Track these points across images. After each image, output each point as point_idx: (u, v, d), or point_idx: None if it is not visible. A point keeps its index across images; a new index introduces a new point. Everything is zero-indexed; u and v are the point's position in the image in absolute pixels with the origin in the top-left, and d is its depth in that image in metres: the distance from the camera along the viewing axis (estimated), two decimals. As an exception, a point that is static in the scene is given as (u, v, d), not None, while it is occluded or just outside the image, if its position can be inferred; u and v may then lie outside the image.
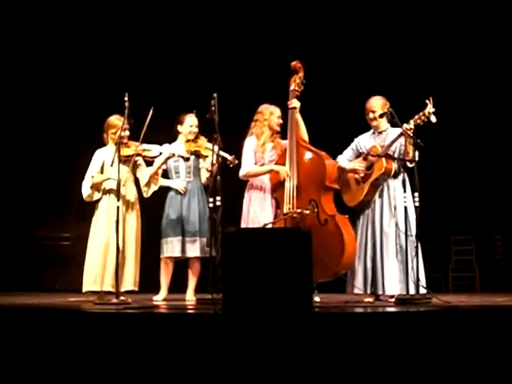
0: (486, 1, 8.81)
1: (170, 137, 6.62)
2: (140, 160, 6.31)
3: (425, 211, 5.75)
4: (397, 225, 6.01)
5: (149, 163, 6.43)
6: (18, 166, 9.20)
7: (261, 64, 8.78)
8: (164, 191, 6.55)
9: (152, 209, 6.64)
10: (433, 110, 5.79)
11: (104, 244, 6.08)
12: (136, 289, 6.22)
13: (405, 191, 5.87)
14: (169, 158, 6.41)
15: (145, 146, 6.22)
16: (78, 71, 9.15)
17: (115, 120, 6.23)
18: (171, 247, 6.40)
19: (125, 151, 6.04)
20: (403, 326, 4.26)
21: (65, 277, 8.37)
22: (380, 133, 6.26)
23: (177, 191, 6.49)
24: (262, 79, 8.51)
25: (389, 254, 6.01)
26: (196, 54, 9.07)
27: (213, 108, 5.71)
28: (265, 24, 8.94)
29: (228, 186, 5.88)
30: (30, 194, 9.18)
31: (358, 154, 6.34)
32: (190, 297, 6.39)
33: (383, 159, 6.04)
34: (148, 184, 6.36)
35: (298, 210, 5.92)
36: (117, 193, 5.72)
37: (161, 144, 6.44)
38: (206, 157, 6.40)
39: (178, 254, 6.40)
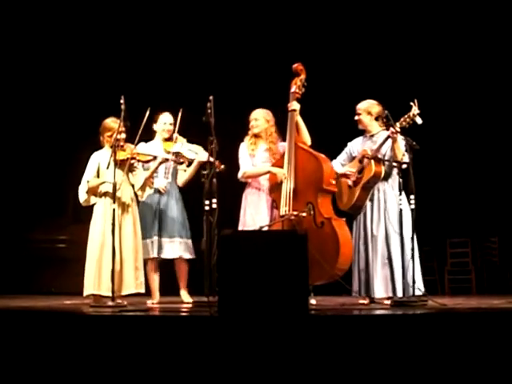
0: (478, 2, 8.82)
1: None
2: (136, 164, 6.30)
3: (421, 213, 5.76)
4: (386, 226, 6.03)
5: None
6: (14, 168, 9.19)
7: (260, 66, 8.79)
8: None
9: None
10: (418, 111, 5.82)
11: (101, 247, 6.06)
12: (141, 290, 6.17)
13: (400, 194, 5.88)
14: (162, 162, 6.31)
15: (141, 148, 6.21)
16: (75, 74, 9.15)
17: (111, 123, 6.21)
18: (147, 248, 6.32)
19: (120, 155, 6.01)
20: (399, 329, 4.26)
21: (61, 279, 8.36)
22: (372, 136, 6.29)
23: (154, 191, 6.41)
24: (260, 81, 8.53)
25: (377, 258, 6.03)
26: (194, 57, 9.07)
27: (209, 110, 5.71)
28: (264, 26, 8.95)
29: (224, 188, 5.88)
30: (26, 197, 9.17)
31: (352, 158, 6.36)
32: (185, 298, 6.36)
33: (372, 162, 6.06)
34: (143, 188, 6.33)
35: (295, 213, 5.92)
36: (112, 195, 5.71)
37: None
38: (191, 160, 6.29)
39: (154, 254, 6.35)
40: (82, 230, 6.31)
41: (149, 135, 6.25)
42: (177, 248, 6.38)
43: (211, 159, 5.77)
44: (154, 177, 6.40)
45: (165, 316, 5.07)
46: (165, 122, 6.52)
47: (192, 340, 4.23)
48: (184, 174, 6.56)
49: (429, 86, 8.50)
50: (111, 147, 6.00)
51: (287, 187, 6.06)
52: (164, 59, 9.11)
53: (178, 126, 6.20)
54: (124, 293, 5.96)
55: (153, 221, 6.39)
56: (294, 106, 6.23)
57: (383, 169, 6.10)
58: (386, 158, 6.07)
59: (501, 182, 9.00)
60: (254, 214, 6.24)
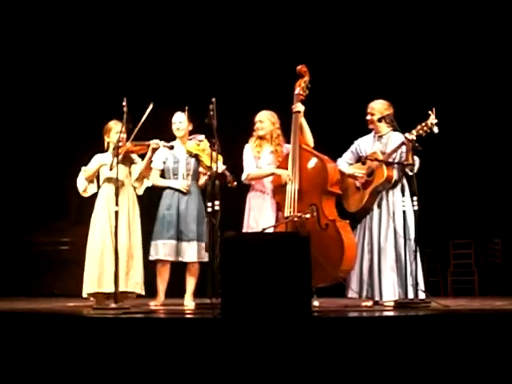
0: (491, 9, 8.81)
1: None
2: (135, 156, 6.31)
3: (424, 215, 5.75)
4: (395, 230, 6.00)
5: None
6: (15, 170, 9.20)
7: (263, 67, 8.79)
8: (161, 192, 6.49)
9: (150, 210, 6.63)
10: (435, 121, 5.79)
11: (102, 247, 6.08)
12: (138, 291, 6.19)
13: (403, 195, 5.87)
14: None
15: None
16: (77, 76, 9.15)
17: (114, 125, 6.23)
18: (162, 250, 6.32)
19: (120, 150, 6.03)
20: (402, 331, 4.25)
21: (63, 281, 8.35)
22: (380, 137, 6.25)
23: (174, 191, 6.41)
24: (264, 83, 8.53)
25: (386, 262, 6.01)
26: (197, 59, 9.07)
27: (211, 112, 5.70)
28: (268, 27, 8.95)
29: (227, 190, 5.88)
30: (28, 199, 9.17)
31: (358, 157, 6.29)
32: (188, 302, 6.31)
33: (384, 167, 6.01)
34: (139, 179, 6.31)
35: (299, 214, 5.92)
36: (115, 197, 5.71)
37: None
38: (207, 166, 6.18)
39: (171, 257, 6.33)
40: (84, 232, 6.32)
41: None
42: (194, 251, 6.33)
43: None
44: (170, 176, 6.42)
45: (168, 318, 5.07)
46: (174, 122, 6.51)
47: (195, 342, 4.23)
48: (201, 179, 6.50)
49: (431, 87, 8.51)
50: (113, 149, 6.01)
51: (291, 189, 6.05)
52: (167, 61, 9.11)
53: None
54: (106, 290, 5.95)
55: (170, 222, 6.34)
56: (298, 107, 6.23)
57: (395, 174, 6.07)
58: (396, 161, 6.03)
59: (503, 184, 8.99)
60: (258, 216, 6.23)
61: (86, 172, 6.28)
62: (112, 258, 5.86)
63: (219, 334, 4.23)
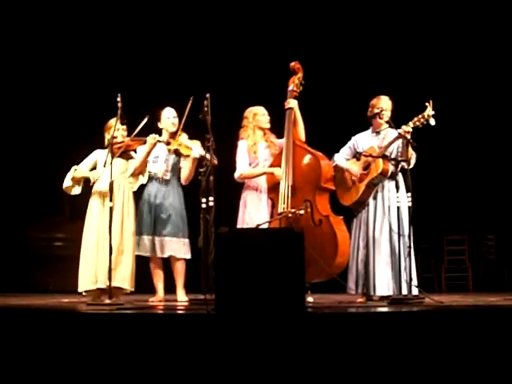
0: (488, 3, 8.82)
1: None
2: (133, 153, 6.32)
3: (418, 211, 5.76)
4: (390, 226, 6.02)
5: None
6: (10, 166, 9.18)
7: (257, 63, 8.79)
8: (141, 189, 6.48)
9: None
10: (432, 112, 5.79)
11: (96, 243, 6.08)
12: (125, 286, 6.14)
13: (397, 191, 5.88)
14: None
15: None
16: (73, 72, 9.14)
17: (113, 122, 6.20)
18: (143, 246, 6.33)
19: (116, 146, 6.03)
20: (396, 326, 4.26)
21: (58, 277, 8.36)
22: (378, 132, 6.26)
23: (154, 185, 6.38)
24: (257, 79, 8.53)
25: (380, 256, 6.02)
26: (191, 55, 9.07)
27: (205, 108, 5.70)
28: (263, 23, 8.95)
29: (221, 186, 5.87)
30: (22, 195, 9.16)
31: (355, 153, 6.30)
32: (181, 297, 6.31)
33: (380, 160, 6.02)
34: (134, 175, 6.31)
35: (292, 210, 5.92)
36: (109, 193, 5.71)
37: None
38: (187, 156, 6.25)
39: (149, 253, 6.34)
40: (79, 228, 6.31)
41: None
42: (170, 247, 6.33)
43: (207, 156, 5.74)
44: (152, 161, 6.38)
45: (162, 314, 5.07)
46: (168, 117, 6.48)
47: (189, 338, 4.23)
48: (184, 171, 6.47)
49: (424, 83, 8.52)
50: (108, 145, 6.01)
51: (285, 185, 6.06)
52: (161, 57, 9.10)
53: (186, 115, 6.10)
54: (99, 286, 5.96)
55: (150, 218, 6.36)
56: (291, 103, 6.23)
57: (390, 167, 6.07)
58: (393, 156, 6.04)
59: (497, 180, 9.02)
60: (254, 212, 6.23)
61: (75, 172, 6.26)
62: (103, 254, 5.87)
63: (213, 330, 4.23)
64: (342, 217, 6.11)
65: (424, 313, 4.68)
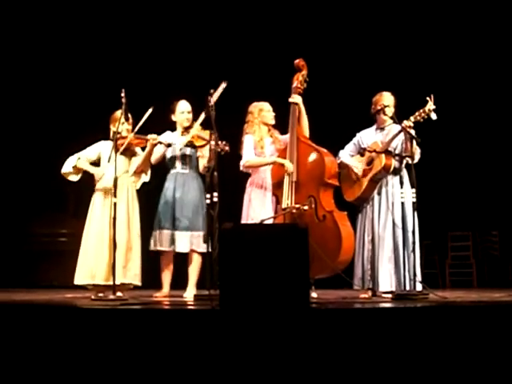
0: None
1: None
2: (138, 150, 6.32)
3: (422, 207, 5.75)
4: (394, 222, 6.01)
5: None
6: (13, 162, 9.19)
7: (262, 59, 8.78)
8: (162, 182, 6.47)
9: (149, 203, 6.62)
10: (433, 107, 5.79)
11: (98, 238, 6.09)
12: (135, 282, 6.20)
13: (402, 187, 5.88)
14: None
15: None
16: (77, 66, 9.13)
17: (118, 114, 6.18)
18: (162, 240, 6.30)
19: (120, 142, 6.03)
20: (400, 322, 4.26)
21: (62, 273, 8.35)
22: (382, 129, 6.25)
23: (174, 179, 6.38)
24: (261, 76, 8.51)
25: (384, 251, 6.02)
26: (198, 50, 9.05)
27: (209, 104, 5.69)
28: (268, 19, 8.94)
29: (225, 181, 5.87)
30: (26, 191, 9.17)
31: (361, 149, 6.30)
32: (188, 294, 6.25)
33: (383, 155, 6.02)
34: (137, 173, 6.30)
35: (297, 206, 5.93)
36: (114, 189, 5.72)
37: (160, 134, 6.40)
38: (202, 146, 6.16)
39: (166, 247, 6.30)
40: (83, 224, 6.33)
41: (152, 131, 6.25)
42: (190, 241, 6.27)
43: (212, 148, 5.67)
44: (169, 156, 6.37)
45: (166, 309, 5.07)
46: (182, 111, 6.43)
47: (193, 333, 4.23)
48: (201, 160, 6.32)
49: (430, 79, 8.50)
50: (112, 140, 6.02)
51: (289, 180, 6.06)
52: (165, 52, 9.09)
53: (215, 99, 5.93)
54: (108, 283, 5.92)
55: (169, 212, 6.31)
56: (296, 99, 6.24)
57: (393, 162, 6.06)
58: (397, 151, 6.04)
59: (501, 176, 9.00)
60: (259, 208, 6.22)
61: (78, 161, 6.30)
62: (104, 250, 5.89)
63: (217, 326, 4.23)
64: (346, 212, 6.12)
65: (428, 308, 4.67)
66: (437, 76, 8.72)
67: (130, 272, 6.14)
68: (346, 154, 6.34)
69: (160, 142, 6.26)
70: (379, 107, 6.12)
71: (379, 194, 6.15)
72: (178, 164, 6.43)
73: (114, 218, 5.67)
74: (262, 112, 6.36)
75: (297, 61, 6.34)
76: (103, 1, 9.07)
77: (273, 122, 6.40)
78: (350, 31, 8.96)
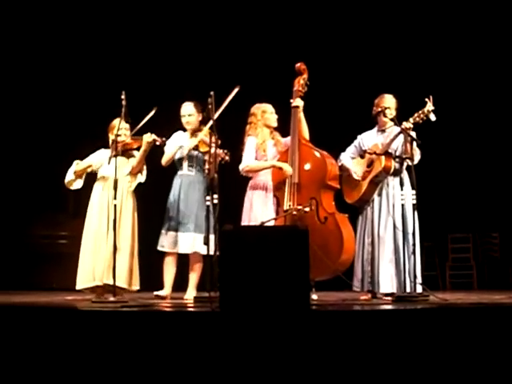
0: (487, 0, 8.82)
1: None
2: (136, 153, 6.31)
3: (422, 209, 5.76)
4: (394, 223, 6.02)
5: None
6: (13, 163, 9.18)
7: (263, 62, 8.78)
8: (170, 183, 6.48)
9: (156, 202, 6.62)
10: (432, 108, 5.80)
11: (95, 240, 6.08)
12: (126, 286, 6.13)
13: (402, 189, 5.88)
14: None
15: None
16: (77, 69, 9.12)
17: (117, 122, 6.15)
18: (167, 241, 6.30)
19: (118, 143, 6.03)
20: (400, 324, 4.26)
21: (61, 275, 8.34)
22: (383, 131, 6.27)
23: (179, 181, 6.37)
24: (262, 79, 8.51)
25: (384, 253, 6.03)
26: (199, 53, 9.05)
27: (210, 106, 5.69)
28: (269, 22, 8.94)
29: (226, 184, 5.87)
30: (26, 192, 9.16)
31: (362, 152, 6.33)
32: (188, 295, 6.24)
33: (382, 157, 6.03)
34: (132, 174, 6.28)
35: (298, 207, 5.94)
36: (114, 191, 5.72)
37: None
38: (205, 153, 6.09)
39: (170, 248, 6.30)
40: (83, 226, 6.31)
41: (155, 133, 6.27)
42: (195, 243, 6.23)
43: (217, 150, 5.70)
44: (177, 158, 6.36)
45: (166, 311, 5.07)
46: (183, 115, 6.44)
47: (193, 335, 4.23)
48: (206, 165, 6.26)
49: (431, 82, 8.50)
50: (112, 143, 6.02)
51: (291, 182, 6.07)
52: (166, 55, 9.09)
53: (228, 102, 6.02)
54: (97, 283, 5.96)
55: (175, 213, 6.31)
56: (297, 102, 6.25)
57: (393, 163, 6.07)
58: (397, 153, 6.05)
59: (502, 178, 9.00)
60: (260, 210, 6.20)
61: (77, 166, 6.29)
62: (101, 251, 5.89)
63: (217, 328, 4.23)
64: (347, 214, 6.13)
65: (428, 310, 4.67)
66: (436, 78, 8.72)
67: (129, 277, 6.10)
68: (347, 157, 6.35)
69: (155, 140, 6.22)
70: (380, 109, 6.14)
71: (379, 195, 6.16)
72: (185, 166, 6.43)
73: (114, 221, 5.66)
74: (265, 114, 6.36)
75: (298, 64, 6.36)
76: (102, 9, 9.06)
77: (275, 124, 6.39)
78: (351, 35, 8.96)
